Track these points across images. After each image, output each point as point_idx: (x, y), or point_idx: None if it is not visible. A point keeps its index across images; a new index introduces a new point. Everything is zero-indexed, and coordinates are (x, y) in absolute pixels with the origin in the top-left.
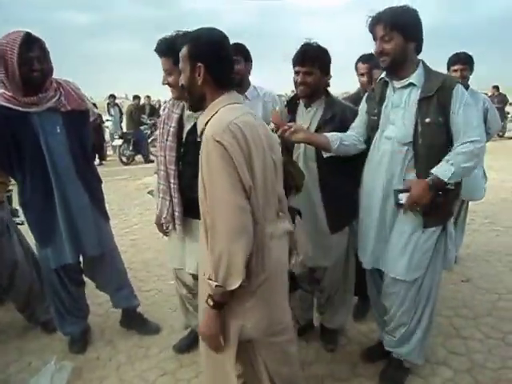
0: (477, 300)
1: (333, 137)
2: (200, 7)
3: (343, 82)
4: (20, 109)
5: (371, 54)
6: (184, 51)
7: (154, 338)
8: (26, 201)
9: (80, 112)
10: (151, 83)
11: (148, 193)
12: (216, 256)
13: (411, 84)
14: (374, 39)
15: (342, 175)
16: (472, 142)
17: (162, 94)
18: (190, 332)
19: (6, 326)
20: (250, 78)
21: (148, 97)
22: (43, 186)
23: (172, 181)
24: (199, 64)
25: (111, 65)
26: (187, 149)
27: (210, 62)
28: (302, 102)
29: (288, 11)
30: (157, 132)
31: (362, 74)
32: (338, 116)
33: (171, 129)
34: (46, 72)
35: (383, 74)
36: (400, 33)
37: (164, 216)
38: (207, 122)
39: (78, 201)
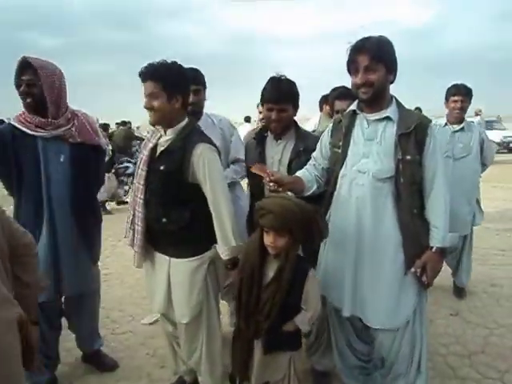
0: (468, 335)
1: (308, 183)
2: (173, 32)
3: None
4: (28, 131)
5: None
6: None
7: None
8: (19, 219)
9: (91, 147)
10: (124, 107)
11: None
12: None
13: (387, 118)
14: (352, 70)
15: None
16: (443, 196)
17: (135, 119)
18: (178, 378)
19: None
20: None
21: (128, 122)
22: (35, 214)
23: (138, 209)
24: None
25: (82, 88)
26: (152, 177)
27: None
28: (270, 134)
29: (258, 39)
30: None
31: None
32: (311, 148)
33: (144, 157)
34: (37, 96)
35: (353, 106)
36: (383, 64)
37: (128, 242)
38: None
39: (67, 237)
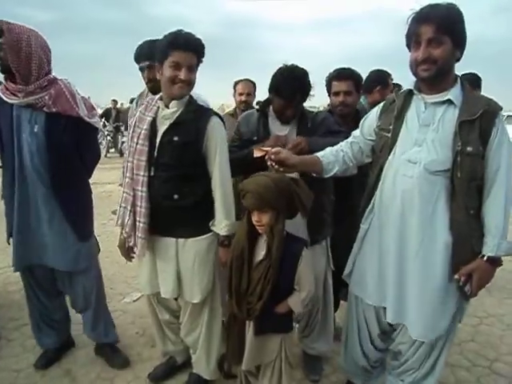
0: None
1: (328, 165)
2: (165, 14)
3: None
4: (3, 97)
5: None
6: None
7: None
8: (2, 191)
9: (70, 118)
10: (112, 87)
11: (112, 212)
12: None
13: (448, 101)
14: (413, 43)
15: (323, 186)
16: (505, 197)
17: (123, 98)
18: (169, 358)
19: None
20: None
21: (114, 101)
22: (11, 182)
23: (139, 188)
24: None
25: (71, 67)
26: (162, 151)
27: None
28: (273, 116)
29: (252, 24)
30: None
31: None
32: (316, 124)
33: (143, 131)
34: (6, 62)
35: (410, 85)
36: (451, 37)
37: (125, 228)
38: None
39: (41, 208)
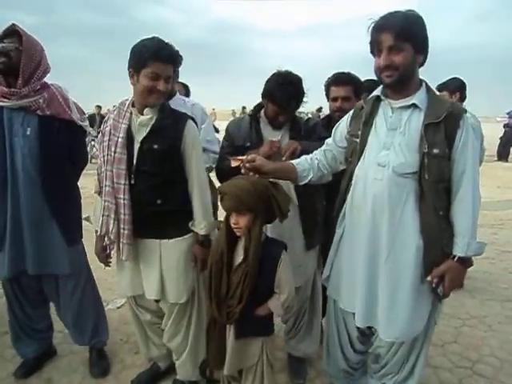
0: (441, 325)
1: (303, 172)
2: (151, 18)
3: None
4: None
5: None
6: None
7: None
8: None
9: (64, 121)
10: (98, 92)
11: (85, 219)
12: None
13: (413, 105)
14: (375, 50)
15: (315, 191)
16: (472, 197)
17: (109, 104)
18: (153, 365)
19: None
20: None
21: (98, 106)
22: (3, 185)
23: (121, 196)
24: None
25: (55, 70)
26: (142, 159)
27: None
28: (265, 121)
29: (241, 28)
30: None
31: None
32: (309, 130)
33: (120, 139)
34: (15, 62)
35: (377, 91)
36: (411, 43)
37: (109, 235)
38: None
39: (32, 212)
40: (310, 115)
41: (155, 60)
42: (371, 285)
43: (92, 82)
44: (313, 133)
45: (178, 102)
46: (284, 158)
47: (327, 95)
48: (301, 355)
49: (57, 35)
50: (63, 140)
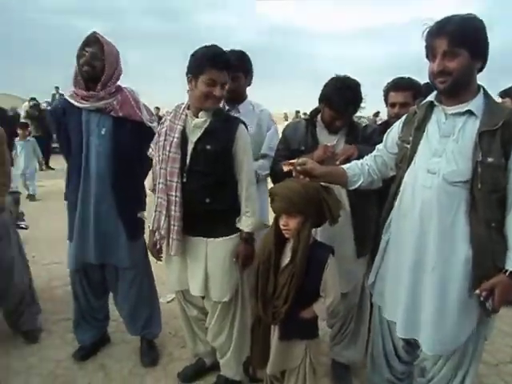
0: (497, 343)
1: (353, 177)
2: (211, 23)
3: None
4: (75, 103)
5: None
6: None
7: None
8: (67, 189)
9: (135, 123)
10: (158, 95)
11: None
12: None
13: (469, 112)
14: (430, 55)
15: (367, 197)
16: None
17: (168, 106)
18: (198, 360)
19: None
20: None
21: (157, 108)
22: (76, 181)
23: (173, 193)
24: None
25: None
26: (196, 159)
27: None
28: (321, 125)
29: (298, 33)
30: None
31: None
32: (367, 137)
33: (174, 140)
34: (97, 69)
35: (431, 97)
36: (467, 49)
37: (160, 231)
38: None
39: (100, 208)
40: (366, 121)
41: (212, 67)
42: (415, 294)
43: (153, 85)
44: (369, 140)
45: (247, 107)
46: (338, 162)
47: (386, 100)
48: (345, 362)
49: (122, 41)
50: (134, 141)
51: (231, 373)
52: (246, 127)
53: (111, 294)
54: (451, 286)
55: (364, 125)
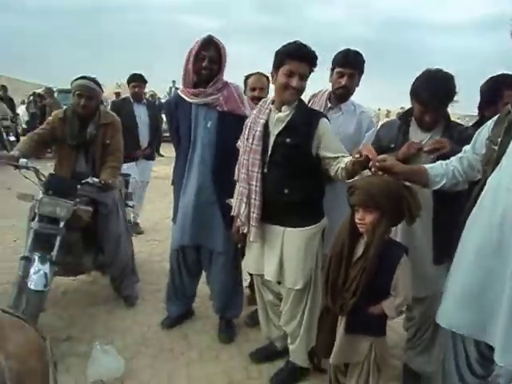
0: None
1: (436, 177)
2: (320, 17)
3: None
4: (186, 98)
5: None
6: None
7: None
8: (174, 175)
9: (236, 116)
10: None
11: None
12: None
13: None
14: None
15: (456, 203)
16: None
17: None
18: (270, 343)
19: (97, 301)
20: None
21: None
22: (182, 169)
23: (254, 183)
24: None
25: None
26: (276, 151)
27: None
28: (414, 124)
29: (410, 25)
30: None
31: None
32: (465, 138)
33: (257, 133)
34: (214, 72)
35: None
36: None
37: (240, 217)
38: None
39: (201, 195)
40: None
41: (291, 58)
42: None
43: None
44: (466, 143)
45: (348, 107)
46: (425, 149)
47: (494, 100)
48: (416, 369)
49: (233, 37)
50: (236, 134)
51: (299, 359)
52: (329, 120)
53: (203, 275)
54: None
55: (465, 126)
